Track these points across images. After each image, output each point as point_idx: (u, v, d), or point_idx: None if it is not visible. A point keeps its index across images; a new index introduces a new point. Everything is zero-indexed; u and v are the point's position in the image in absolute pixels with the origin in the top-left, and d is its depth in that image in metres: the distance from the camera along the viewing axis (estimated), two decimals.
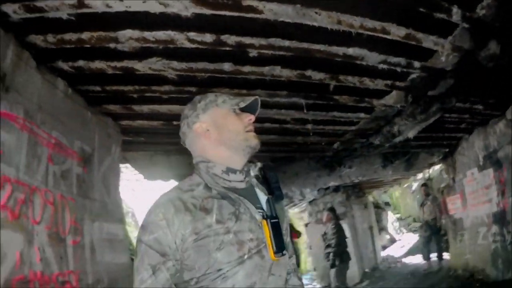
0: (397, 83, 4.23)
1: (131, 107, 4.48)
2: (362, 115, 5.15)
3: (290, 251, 1.78)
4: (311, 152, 7.31)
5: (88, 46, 3.47)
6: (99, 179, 4.10)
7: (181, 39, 3.42)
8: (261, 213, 1.58)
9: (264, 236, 1.52)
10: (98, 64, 3.65)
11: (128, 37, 3.41)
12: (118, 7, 3.07)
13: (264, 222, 1.54)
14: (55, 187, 3.34)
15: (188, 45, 3.49)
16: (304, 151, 7.23)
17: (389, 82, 4.21)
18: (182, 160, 6.13)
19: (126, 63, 3.71)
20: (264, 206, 1.64)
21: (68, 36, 3.34)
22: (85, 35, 3.36)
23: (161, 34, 3.38)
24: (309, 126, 5.35)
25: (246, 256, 1.45)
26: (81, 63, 3.62)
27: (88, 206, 3.80)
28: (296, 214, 13.55)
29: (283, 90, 4.28)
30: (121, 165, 5.30)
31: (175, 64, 3.79)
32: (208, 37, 3.40)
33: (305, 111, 4.67)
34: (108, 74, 3.79)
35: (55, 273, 3.08)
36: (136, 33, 3.36)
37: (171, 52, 3.61)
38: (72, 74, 3.73)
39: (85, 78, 3.89)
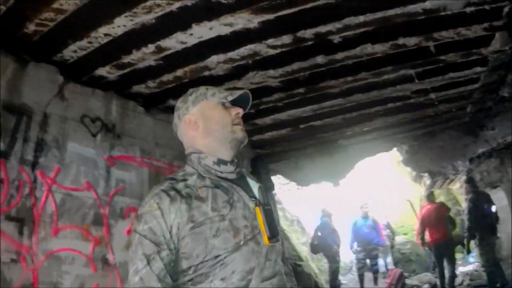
0: (495, 23, 3.50)
1: (254, 122, 4.70)
2: (478, 69, 4.41)
3: (281, 240, 1.77)
4: (447, 122, 6.51)
5: (186, 80, 3.80)
6: None
7: (262, 48, 3.51)
8: (254, 201, 1.58)
9: (257, 223, 1.53)
10: None
11: (216, 62, 3.66)
12: (191, 40, 3.34)
13: (257, 209, 1.55)
14: None
15: (272, 51, 3.55)
16: (440, 123, 6.49)
17: (485, 25, 3.52)
18: (327, 160, 6.11)
19: (227, 85, 3.92)
20: (257, 194, 1.64)
21: (165, 77, 3.75)
22: (179, 72, 3.75)
23: (243, 50, 3.52)
24: (432, 95, 4.80)
25: (242, 242, 1.46)
26: None
27: None
28: (458, 190, 12.00)
29: (386, 66, 3.97)
30: (273, 176, 5.50)
31: (271, 72, 3.88)
32: (286, 39, 3.41)
33: (416, 80, 4.23)
34: None
35: None
36: (221, 57, 3.58)
37: (262, 63, 3.71)
38: None
39: None
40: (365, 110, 4.93)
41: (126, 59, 3.55)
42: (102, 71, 3.72)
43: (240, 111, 1.68)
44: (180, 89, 3.87)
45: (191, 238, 1.42)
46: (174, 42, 3.33)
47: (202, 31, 3.21)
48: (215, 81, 3.91)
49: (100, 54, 3.47)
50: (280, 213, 9.68)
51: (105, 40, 3.31)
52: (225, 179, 1.59)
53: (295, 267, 8.45)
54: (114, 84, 3.87)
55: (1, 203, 2.89)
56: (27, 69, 3.50)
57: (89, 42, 3.35)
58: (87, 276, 3.23)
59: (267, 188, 1.53)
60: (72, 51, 3.47)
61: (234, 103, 1.70)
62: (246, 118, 4.30)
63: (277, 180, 7.31)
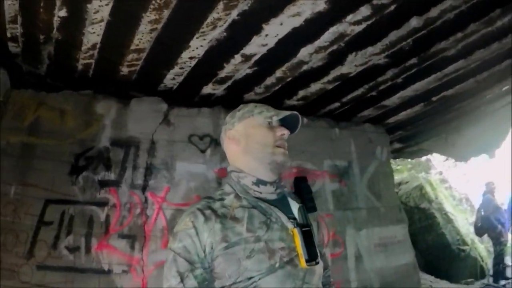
0: None
1: (382, 105, 4.53)
2: None
3: (325, 263, 1.75)
4: None
5: (290, 78, 3.90)
6: (363, 187, 4.20)
7: (345, 27, 3.28)
8: (292, 222, 1.56)
9: (295, 244, 1.51)
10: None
11: (307, 54, 3.58)
12: (270, 41, 3.35)
13: (295, 230, 1.53)
14: None
15: (357, 28, 3.30)
16: None
17: None
18: (475, 131, 5.38)
19: (333, 73, 3.90)
20: (296, 215, 1.62)
21: (268, 81, 3.91)
22: (278, 73, 3.84)
23: (327, 35, 3.36)
24: None
25: (277, 265, 1.45)
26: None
27: (350, 217, 3.95)
28: None
29: (494, 10, 3.31)
30: (427, 156, 5.08)
31: (370, 49, 3.64)
32: (364, 10, 3.12)
33: None
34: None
35: None
36: (309, 48, 3.50)
37: (355, 43, 3.48)
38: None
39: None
40: (495, 67, 4.18)
41: (222, 74, 3.74)
42: (207, 89, 4.00)
43: (285, 132, 1.66)
44: (288, 88, 3.99)
45: (223, 258, 1.43)
46: (256, 47, 3.38)
47: (275, 29, 3.18)
48: (319, 73, 3.84)
49: (196, 75, 3.73)
50: (446, 192, 8.81)
51: (193, 62, 3.56)
52: (264, 199, 1.59)
53: (459, 252, 7.89)
54: (223, 98, 4.11)
55: (114, 224, 3.37)
56: (130, 105, 4.06)
57: (181, 68, 3.66)
58: None
59: (309, 209, 1.50)
60: (171, 79, 3.82)
61: (282, 124, 1.69)
62: (371, 102, 4.15)
63: (437, 157, 6.67)
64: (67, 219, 3.61)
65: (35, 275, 3.43)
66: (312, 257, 1.50)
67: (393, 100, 4.48)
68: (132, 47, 3.36)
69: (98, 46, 3.46)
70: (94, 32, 3.27)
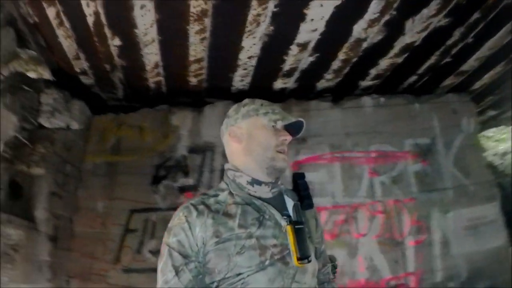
0: None
1: (461, 71, 4.20)
2: None
3: (324, 260, 1.78)
4: None
5: (355, 59, 3.77)
6: (449, 164, 3.89)
7: None
8: (286, 219, 1.55)
9: (288, 242, 1.50)
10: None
11: (362, 30, 3.43)
12: (319, 24, 3.27)
13: (289, 227, 1.51)
14: (384, 195, 3.60)
15: None
16: None
17: None
18: None
19: (398, 44, 3.67)
20: (291, 212, 1.60)
21: (335, 64, 3.81)
22: (341, 56, 3.71)
23: (373, 6, 3.15)
24: None
25: (267, 262, 1.44)
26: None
27: (436, 199, 3.69)
28: None
29: None
30: None
31: (425, 12, 3.33)
32: None
33: None
34: None
35: (386, 278, 3.23)
36: (361, 24, 3.34)
37: (406, 8, 3.25)
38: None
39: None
40: None
41: (286, 66, 3.78)
42: (278, 84, 4.06)
43: (288, 138, 1.65)
44: (358, 69, 3.89)
45: (214, 254, 1.45)
46: (307, 34, 3.35)
47: (318, 12, 3.12)
48: (382, 48, 3.68)
49: (262, 72, 3.85)
50: None
51: (254, 61, 3.72)
52: (258, 197, 1.59)
53: None
54: (296, 91, 4.14)
55: None
56: (204, 112, 4.24)
57: (244, 69, 3.85)
58: None
59: (306, 205, 1.50)
60: (239, 80, 4.02)
61: (285, 128, 1.68)
62: (448, 69, 3.85)
63: None
64: (150, 226, 3.88)
65: (122, 278, 3.75)
66: (304, 255, 1.48)
67: (471, 63, 4.12)
68: (191, 58, 3.58)
69: (160, 64, 3.71)
70: (151, 53, 3.52)
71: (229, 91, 4.20)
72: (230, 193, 1.59)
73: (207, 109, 4.28)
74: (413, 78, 4.14)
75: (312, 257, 1.55)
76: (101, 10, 3.01)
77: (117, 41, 3.37)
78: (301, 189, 1.72)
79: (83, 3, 2.94)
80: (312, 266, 1.56)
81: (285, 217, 1.55)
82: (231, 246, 1.44)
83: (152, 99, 4.34)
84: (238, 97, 4.17)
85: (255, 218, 1.51)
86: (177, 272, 1.43)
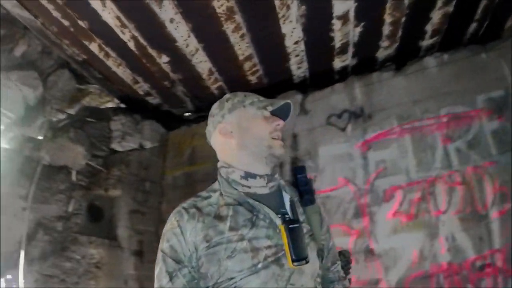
0: None
1: None
2: None
3: (333, 257, 1.70)
4: None
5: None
6: None
7: None
8: (280, 218, 1.48)
9: (283, 242, 1.43)
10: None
11: None
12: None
13: (282, 227, 1.44)
14: (461, 163, 3.28)
15: None
16: None
17: None
18: None
19: None
20: (289, 211, 1.52)
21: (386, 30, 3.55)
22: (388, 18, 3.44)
23: None
24: None
25: (260, 265, 1.39)
26: None
27: None
28: None
29: None
30: None
31: None
32: None
33: None
34: None
35: (470, 259, 2.90)
36: None
37: None
38: None
39: None
40: None
41: (337, 43, 3.61)
42: (337, 63, 3.91)
43: (280, 123, 1.59)
44: (412, 30, 3.58)
45: (206, 259, 1.42)
46: (341, 4, 3.15)
47: None
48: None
49: (315, 54, 3.73)
50: None
51: (301, 45, 3.58)
52: (253, 195, 1.53)
53: None
54: (357, 67, 3.98)
55: None
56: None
57: (296, 55, 3.74)
58: None
59: (306, 201, 1.41)
60: (297, 69, 3.93)
61: (274, 114, 1.62)
62: (508, 7, 3.37)
63: None
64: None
65: None
66: (300, 256, 1.40)
67: None
68: (240, 57, 3.65)
69: (214, 69, 3.82)
70: (201, 61, 3.67)
71: (292, 81, 4.15)
72: (222, 193, 1.54)
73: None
74: (473, 25, 3.69)
75: (313, 257, 1.49)
76: (136, 34, 3.19)
77: (165, 58, 3.55)
78: (300, 184, 1.64)
79: (117, 30, 3.13)
80: (311, 267, 1.48)
81: (279, 215, 1.48)
82: (222, 250, 1.40)
83: None
84: (301, 86, 4.16)
85: (247, 219, 1.46)
86: (171, 278, 1.41)
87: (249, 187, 1.53)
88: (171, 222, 1.49)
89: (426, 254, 3.14)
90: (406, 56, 3.85)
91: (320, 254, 1.59)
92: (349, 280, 1.77)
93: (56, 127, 3.37)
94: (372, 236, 3.40)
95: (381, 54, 3.83)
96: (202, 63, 3.67)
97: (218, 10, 2.99)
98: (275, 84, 4.12)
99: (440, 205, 3.21)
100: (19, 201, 3.11)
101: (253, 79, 4.00)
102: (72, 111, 3.50)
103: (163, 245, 1.48)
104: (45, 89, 3.21)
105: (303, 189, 1.63)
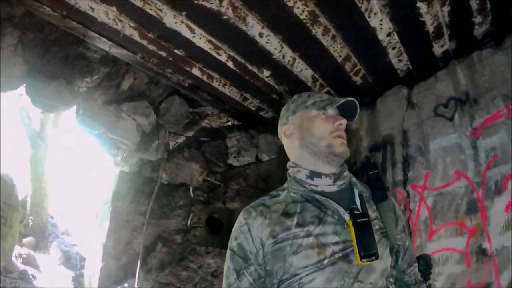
0: None
1: None
2: None
3: (410, 259, 1.64)
4: None
5: None
6: None
7: None
8: (349, 213, 1.45)
9: (350, 238, 1.41)
10: None
11: None
12: None
13: (350, 222, 1.42)
14: None
15: None
16: None
17: None
18: None
19: None
20: (358, 204, 1.50)
21: None
22: None
23: None
24: None
25: (326, 261, 1.37)
26: None
27: None
28: None
29: None
30: None
31: None
32: None
33: None
34: None
35: None
36: None
37: None
38: None
39: None
40: None
41: (430, 28, 3.38)
42: (437, 49, 3.66)
43: (343, 121, 1.57)
44: (464, 15, 3.31)
45: (271, 255, 1.43)
46: None
47: None
48: None
49: (414, 43, 3.57)
50: None
51: (395, 37, 3.44)
52: (321, 192, 1.52)
53: None
54: (458, 51, 3.68)
55: None
56: (377, 106, 4.19)
57: (393, 48, 3.59)
58: (459, 274, 3.03)
59: (377, 197, 1.35)
60: (398, 62, 3.78)
61: (340, 113, 1.62)
62: None
63: None
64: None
65: None
66: (368, 252, 1.36)
67: None
68: (338, 59, 3.63)
69: (317, 75, 3.86)
70: (302, 69, 3.75)
71: (397, 76, 3.99)
72: (289, 192, 1.55)
73: (379, 102, 4.18)
74: None
75: (385, 255, 1.43)
76: (232, 53, 3.42)
77: (266, 72, 3.72)
78: (371, 180, 1.61)
79: (213, 53, 3.36)
80: (382, 264, 1.42)
81: (348, 211, 1.45)
82: (287, 246, 1.39)
83: None
84: (407, 79, 3.95)
85: (314, 216, 1.44)
86: (238, 276, 1.43)
87: (316, 185, 1.52)
88: (239, 220, 1.52)
89: None
90: (503, 28, 3.48)
91: (396, 255, 1.53)
92: (429, 285, 1.69)
93: (172, 149, 3.73)
94: (487, 233, 3.06)
95: (478, 31, 3.50)
96: (303, 71, 3.74)
97: (301, 17, 3.05)
98: (381, 82, 4.03)
99: None
100: (139, 217, 3.50)
101: (357, 79, 3.96)
102: (189, 133, 3.83)
103: (232, 243, 1.50)
104: (158, 116, 3.59)
105: (375, 185, 1.59)
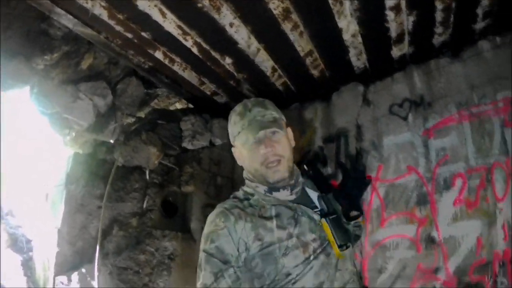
0: None
1: None
2: None
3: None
4: None
5: None
6: None
7: None
8: (318, 212, 1.64)
9: (326, 234, 1.58)
10: None
11: None
12: None
13: (323, 221, 1.59)
14: None
15: None
16: None
17: None
18: None
19: None
20: (318, 204, 1.69)
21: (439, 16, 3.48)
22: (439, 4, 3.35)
23: None
24: None
25: (312, 257, 1.52)
26: None
27: None
28: None
29: None
30: None
31: None
32: None
33: None
34: None
35: None
36: None
37: None
38: None
39: None
40: None
41: (392, 33, 3.56)
42: (395, 52, 3.85)
43: (267, 150, 1.60)
44: (464, 14, 3.41)
45: (261, 259, 1.51)
46: None
47: None
48: None
49: (374, 46, 3.72)
50: None
51: (358, 38, 3.59)
52: (284, 201, 1.64)
53: None
54: (414, 55, 3.92)
55: None
56: (332, 100, 4.34)
57: (355, 48, 3.74)
58: (410, 258, 3.41)
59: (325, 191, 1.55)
60: (356, 60, 3.93)
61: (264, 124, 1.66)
62: None
63: None
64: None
65: None
66: (344, 242, 1.56)
67: None
68: (301, 53, 3.71)
69: (277, 67, 3.92)
70: (264, 60, 3.77)
71: (353, 72, 4.17)
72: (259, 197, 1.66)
73: (335, 96, 4.38)
74: None
75: (349, 243, 1.62)
76: (199, 40, 3.40)
77: (228, 60, 3.76)
78: (316, 178, 1.80)
79: (180, 38, 3.31)
80: (349, 249, 1.61)
81: (315, 210, 1.64)
82: (276, 249, 1.50)
83: (285, 100, 4.57)
84: (362, 77, 4.18)
85: (290, 217, 1.57)
86: (216, 278, 1.46)
87: (276, 198, 1.63)
88: (215, 223, 1.55)
89: (484, 242, 3.12)
90: (461, 41, 3.80)
91: None
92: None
93: (128, 131, 3.65)
94: (436, 223, 3.39)
95: (436, 40, 3.78)
96: (265, 62, 3.84)
97: (275, 12, 3.15)
98: (337, 77, 4.21)
99: (500, 192, 3.15)
100: (94, 200, 3.43)
101: (315, 73, 4.11)
102: (142, 114, 3.75)
103: (207, 246, 1.53)
104: (115, 97, 3.50)
105: (320, 180, 1.80)
